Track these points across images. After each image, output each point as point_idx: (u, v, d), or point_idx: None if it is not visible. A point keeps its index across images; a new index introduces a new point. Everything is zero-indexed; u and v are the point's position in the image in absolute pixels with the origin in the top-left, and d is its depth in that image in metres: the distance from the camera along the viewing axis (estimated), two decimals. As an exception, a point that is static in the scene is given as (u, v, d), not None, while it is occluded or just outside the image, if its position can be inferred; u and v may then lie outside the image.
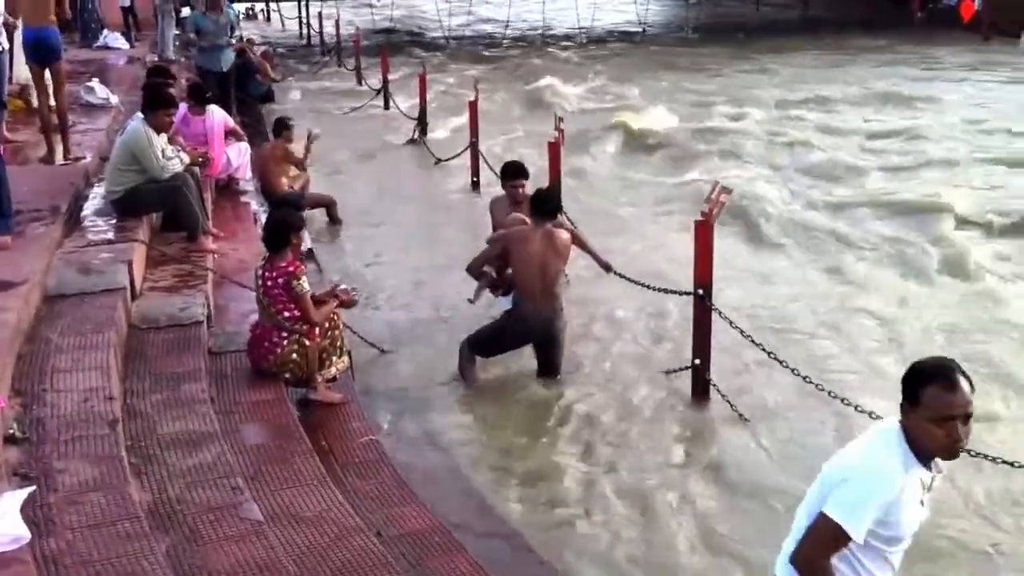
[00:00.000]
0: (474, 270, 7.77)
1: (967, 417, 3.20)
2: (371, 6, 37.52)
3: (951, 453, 3.26)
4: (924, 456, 3.28)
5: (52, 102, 9.85)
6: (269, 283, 6.27)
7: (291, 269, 6.24)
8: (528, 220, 7.68)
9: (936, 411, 3.17)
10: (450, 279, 9.81)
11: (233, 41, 15.33)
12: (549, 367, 7.56)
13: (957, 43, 27.47)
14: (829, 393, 6.41)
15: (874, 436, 3.36)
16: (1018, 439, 6.60)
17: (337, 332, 6.54)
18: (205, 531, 4.43)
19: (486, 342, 7.57)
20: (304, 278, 6.28)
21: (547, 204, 7.55)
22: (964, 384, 3.19)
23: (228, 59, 14.91)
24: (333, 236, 11.64)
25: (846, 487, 3.23)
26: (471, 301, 7.68)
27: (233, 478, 4.89)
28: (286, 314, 6.29)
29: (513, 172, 8.58)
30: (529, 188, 8.65)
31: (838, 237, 11.11)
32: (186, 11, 18.27)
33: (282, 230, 6.40)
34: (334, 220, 12.02)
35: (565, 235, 7.57)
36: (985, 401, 7.07)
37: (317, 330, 6.35)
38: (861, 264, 10.33)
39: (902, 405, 3.27)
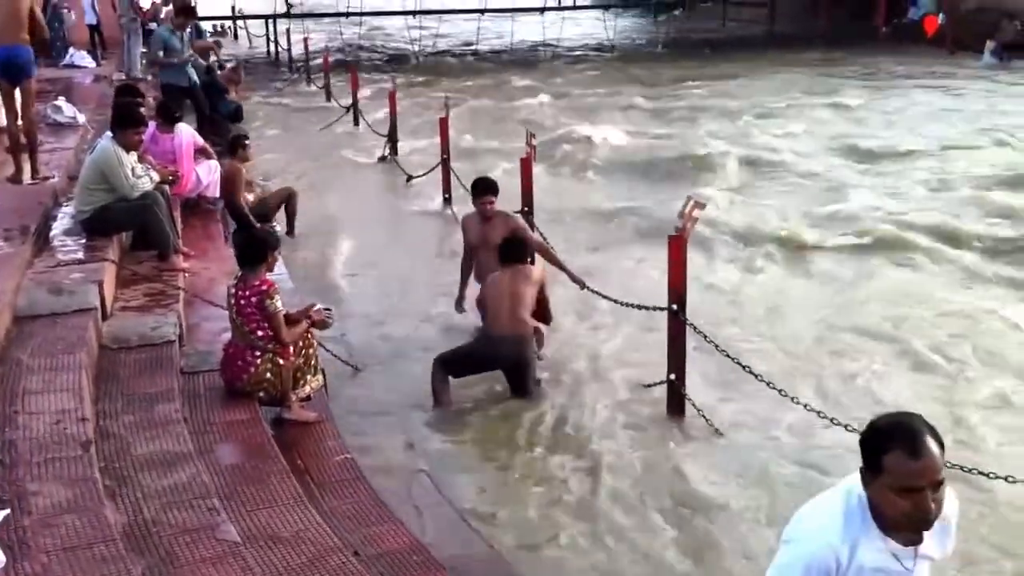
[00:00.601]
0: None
1: (938, 485, 2.76)
2: (339, 22, 37.45)
3: (919, 527, 2.81)
4: (892, 526, 2.85)
5: (20, 121, 9.78)
6: (242, 301, 6.22)
7: (264, 288, 6.20)
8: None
9: (900, 480, 2.73)
10: (423, 295, 9.82)
11: (195, 54, 15.33)
12: (519, 389, 7.58)
13: (921, 57, 27.78)
14: (805, 406, 6.44)
15: (831, 494, 2.97)
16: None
17: (311, 351, 6.51)
18: (181, 553, 4.38)
19: (457, 362, 7.59)
20: (277, 297, 6.24)
21: (511, 253, 7.79)
22: (932, 447, 2.75)
23: (193, 74, 14.96)
24: (304, 254, 11.57)
25: (784, 549, 2.94)
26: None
27: (209, 499, 4.84)
28: (259, 333, 6.25)
29: (482, 189, 8.61)
30: (499, 203, 8.70)
31: (803, 248, 11.22)
32: (153, 25, 18.07)
33: (259, 247, 6.36)
34: (291, 218, 11.88)
35: (537, 269, 7.81)
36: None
37: (291, 348, 6.31)
38: (823, 274, 10.45)
39: (861, 470, 2.85)
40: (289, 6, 36.61)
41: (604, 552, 5.70)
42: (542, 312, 7.84)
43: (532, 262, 8.19)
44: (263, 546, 4.66)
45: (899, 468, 2.72)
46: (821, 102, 21.29)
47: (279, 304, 6.23)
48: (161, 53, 14.83)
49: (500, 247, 7.86)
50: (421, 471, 6.55)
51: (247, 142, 11.68)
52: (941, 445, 2.77)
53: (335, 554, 4.67)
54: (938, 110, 20.27)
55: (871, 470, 2.80)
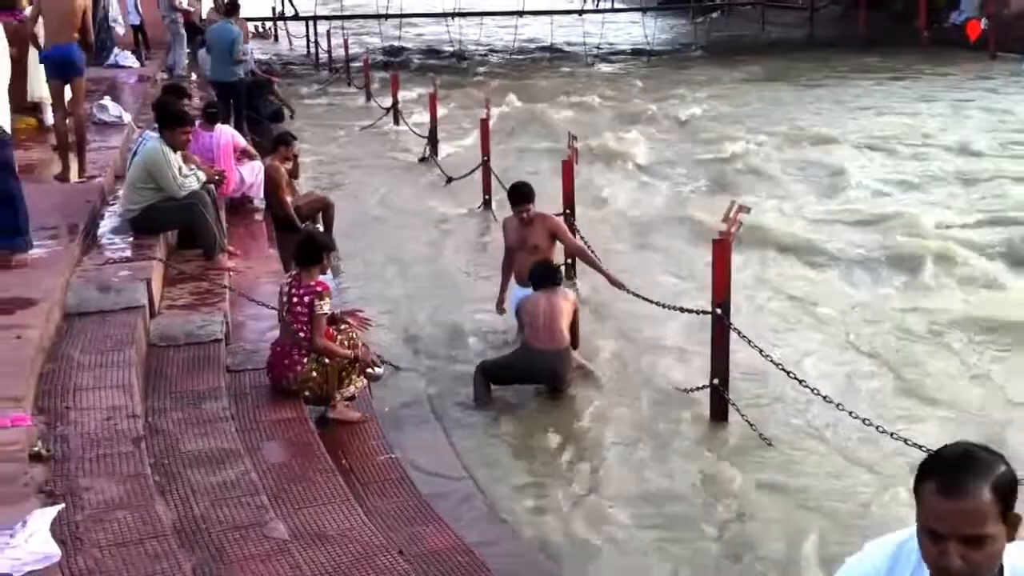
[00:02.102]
0: None
1: (976, 540, 2.26)
2: (380, 23, 37.60)
3: None
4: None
5: (68, 119, 9.93)
6: (295, 299, 6.27)
7: (319, 289, 6.26)
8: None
9: (925, 519, 2.32)
10: (463, 296, 9.85)
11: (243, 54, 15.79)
12: (555, 391, 7.67)
13: (963, 62, 27.51)
14: (850, 413, 6.39)
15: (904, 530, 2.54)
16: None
17: (357, 351, 6.54)
18: (231, 549, 4.41)
19: (497, 372, 7.69)
20: (328, 300, 6.29)
21: (543, 279, 7.86)
22: (976, 489, 2.25)
23: (240, 70, 15.44)
24: (345, 254, 11.63)
25: None
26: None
27: (257, 496, 4.88)
28: (301, 334, 6.29)
29: (518, 197, 8.55)
30: (542, 205, 8.73)
31: (845, 253, 11.13)
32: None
33: (316, 248, 6.43)
34: (328, 227, 11.94)
35: (571, 293, 7.96)
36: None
37: (328, 329, 6.36)
38: (870, 280, 10.36)
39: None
40: (295, 8, 37.12)
41: (643, 556, 5.69)
42: (571, 336, 7.85)
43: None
44: (310, 544, 4.70)
45: (927, 503, 2.31)
46: (850, 107, 21.26)
47: (327, 308, 6.28)
48: (241, 49, 15.45)
49: (530, 276, 7.99)
50: (463, 471, 6.58)
51: (290, 139, 11.77)
52: (1001, 492, 2.27)
53: (381, 553, 4.69)
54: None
55: (917, 500, 2.37)
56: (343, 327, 6.55)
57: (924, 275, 10.34)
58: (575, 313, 7.87)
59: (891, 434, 6.04)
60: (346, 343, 6.44)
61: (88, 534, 4.21)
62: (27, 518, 3.89)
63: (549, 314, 7.61)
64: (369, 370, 6.67)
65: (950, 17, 32.93)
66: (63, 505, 4.26)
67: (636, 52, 34.32)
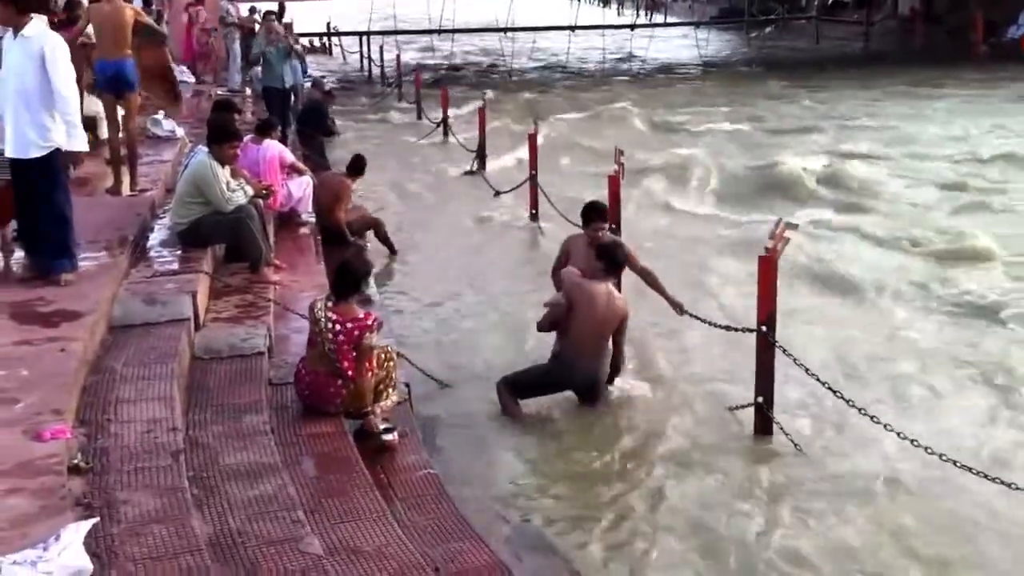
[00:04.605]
0: (545, 327, 7.80)
1: None
2: (432, 38, 37.85)
3: None
4: None
5: (121, 133, 10.07)
6: (341, 336, 6.21)
7: (369, 322, 6.23)
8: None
9: None
10: (507, 311, 9.81)
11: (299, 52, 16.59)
12: (590, 400, 7.57)
13: (1022, 77, 27.09)
14: (898, 435, 6.26)
15: None
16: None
17: (391, 364, 6.51)
18: (266, 564, 4.39)
19: (527, 385, 7.56)
20: (377, 333, 6.29)
21: (616, 258, 7.50)
22: None
23: (290, 77, 15.87)
24: (390, 267, 11.66)
25: None
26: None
27: (294, 511, 4.86)
28: (346, 364, 6.21)
29: (595, 215, 8.13)
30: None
31: (896, 275, 10.96)
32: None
33: (352, 278, 6.40)
34: (387, 242, 12.01)
35: (623, 301, 7.56)
36: None
37: (373, 361, 6.34)
38: (921, 301, 10.17)
39: None
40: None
41: (687, 572, 5.61)
42: (615, 357, 7.62)
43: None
44: (345, 560, 4.67)
45: None
46: (912, 124, 20.98)
47: (375, 340, 6.27)
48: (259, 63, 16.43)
49: (602, 251, 7.52)
50: (501, 488, 6.53)
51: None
52: None
53: (417, 570, 4.65)
54: None
55: None
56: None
57: (976, 299, 10.16)
58: (623, 324, 7.52)
59: (940, 455, 5.91)
60: (383, 356, 6.42)
61: (123, 547, 4.22)
62: (61, 532, 3.89)
63: (600, 332, 7.36)
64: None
65: (1007, 32, 32.47)
66: (97, 519, 4.26)
67: (689, 67, 34.20)
